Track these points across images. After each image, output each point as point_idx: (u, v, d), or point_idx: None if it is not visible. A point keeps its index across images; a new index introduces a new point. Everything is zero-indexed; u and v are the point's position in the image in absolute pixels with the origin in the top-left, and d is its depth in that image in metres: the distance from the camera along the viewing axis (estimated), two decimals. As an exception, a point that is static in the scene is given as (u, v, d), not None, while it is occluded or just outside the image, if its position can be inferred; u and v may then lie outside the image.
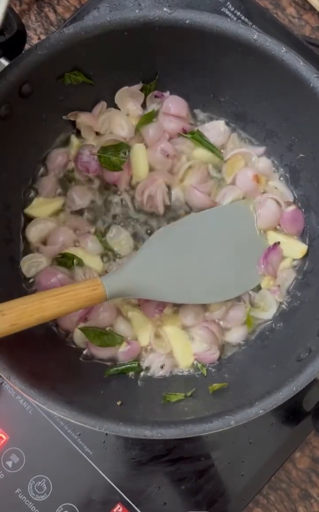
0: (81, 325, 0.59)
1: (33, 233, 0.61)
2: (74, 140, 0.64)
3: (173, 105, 0.63)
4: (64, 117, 0.62)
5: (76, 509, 0.60)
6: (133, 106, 0.63)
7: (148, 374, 0.60)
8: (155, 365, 0.59)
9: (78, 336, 0.59)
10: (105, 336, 0.58)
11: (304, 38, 0.75)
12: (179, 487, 0.61)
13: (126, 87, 0.62)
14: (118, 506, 0.60)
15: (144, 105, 0.64)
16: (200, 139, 0.62)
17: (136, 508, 0.60)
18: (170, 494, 0.61)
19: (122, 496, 0.60)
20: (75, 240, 0.62)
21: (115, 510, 0.60)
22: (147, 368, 0.60)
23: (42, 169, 0.63)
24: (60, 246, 0.61)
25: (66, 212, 0.63)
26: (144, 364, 0.60)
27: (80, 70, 0.58)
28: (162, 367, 0.59)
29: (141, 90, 0.63)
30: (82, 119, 0.62)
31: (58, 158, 0.63)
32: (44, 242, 0.62)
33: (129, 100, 0.63)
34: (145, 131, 0.63)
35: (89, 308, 0.59)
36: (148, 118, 0.63)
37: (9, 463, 0.61)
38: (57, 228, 0.61)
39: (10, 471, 0.61)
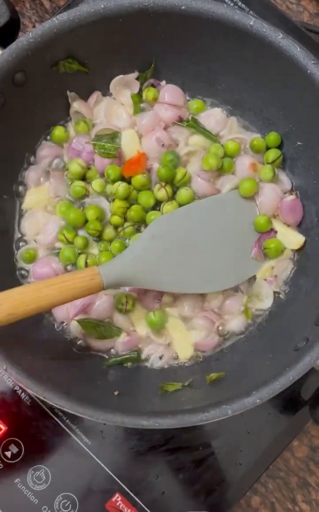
0: (80, 316, 0.59)
1: (27, 226, 0.61)
2: (70, 129, 0.63)
3: (169, 93, 0.62)
4: (68, 92, 0.61)
5: (75, 498, 0.60)
6: (128, 96, 0.62)
7: (147, 364, 0.59)
8: (154, 355, 0.59)
9: (75, 328, 0.59)
10: (102, 328, 0.58)
11: (302, 25, 0.74)
12: (178, 476, 0.62)
13: (121, 76, 0.62)
14: (117, 495, 0.60)
15: (140, 94, 0.63)
16: (195, 126, 0.62)
17: (134, 497, 0.60)
18: (169, 483, 0.61)
19: (120, 486, 0.61)
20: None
21: (114, 499, 0.60)
22: (146, 359, 0.60)
23: (32, 159, 0.63)
24: (54, 235, 0.60)
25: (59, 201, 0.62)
26: (143, 355, 0.60)
27: (74, 58, 0.58)
28: (161, 357, 0.59)
29: (137, 78, 0.62)
30: (77, 108, 0.62)
31: (44, 150, 0.62)
32: (39, 234, 0.61)
33: (124, 89, 0.63)
34: (139, 120, 0.62)
35: (89, 301, 0.59)
36: (139, 98, 0.63)
37: (8, 454, 0.61)
38: (48, 218, 0.61)
39: (9, 461, 0.61)
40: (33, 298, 0.48)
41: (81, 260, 0.59)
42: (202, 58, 0.60)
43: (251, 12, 0.71)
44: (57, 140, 0.63)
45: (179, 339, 0.60)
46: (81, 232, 0.61)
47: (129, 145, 0.61)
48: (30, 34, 0.52)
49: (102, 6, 0.53)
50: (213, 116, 0.63)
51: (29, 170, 0.62)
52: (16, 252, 0.61)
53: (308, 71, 0.53)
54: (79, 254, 0.60)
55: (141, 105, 0.63)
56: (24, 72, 0.54)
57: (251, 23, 0.53)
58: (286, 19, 0.73)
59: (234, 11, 0.54)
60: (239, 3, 0.71)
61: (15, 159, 0.61)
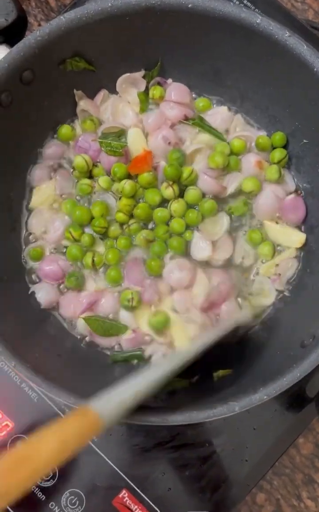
0: (86, 314, 0.59)
1: (34, 224, 0.61)
2: (76, 127, 0.63)
3: (175, 91, 0.62)
4: (75, 91, 0.61)
5: (82, 495, 0.60)
6: (134, 94, 0.63)
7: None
8: (157, 354, 0.59)
9: (82, 325, 0.59)
10: (108, 325, 0.58)
11: (307, 23, 0.74)
12: (183, 473, 0.62)
13: (127, 74, 0.62)
14: (124, 491, 0.61)
15: (146, 92, 0.63)
16: (201, 124, 0.62)
17: (141, 493, 0.61)
18: (175, 479, 0.62)
19: (127, 482, 0.61)
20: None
21: (120, 495, 0.61)
22: (150, 357, 0.60)
23: (39, 157, 0.63)
24: (61, 233, 0.60)
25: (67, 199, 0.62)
26: (146, 353, 0.60)
27: (81, 56, 0.58)
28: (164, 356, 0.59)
29: (143, 77, 0.62)
30: (84, 106, 0.62)
31: (51, 148, 0.62)
32: (46, 232, 0.61)
33: (131, 87, 0.63)
34: (145, 119, 0.62)
35: (95, 298, 0.59)
36: (145, 97, 0.63)
37: (15, 450, 0.62)
38: (54, 216, 0.61)
39: (16, 457, 0.61)
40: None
41: (88, 258, 0.59)
42: (208, 56, 0.60)
43: (256, 10, 0.71)
44: (63, 138, 0.63)
45: (179, 336, 0.60)
46: (88, 230, 0.61)
47: (135, 143, 0.61)
48: (38, 32, 0.53)
49: (110, 4, 0.53)
50: (219, 114, 0.63)
51: (35, 168, 0.62)
52: (24, 249, 0.61)
53: (315, 69, 0.53)
54: (86, 252, 0.60)
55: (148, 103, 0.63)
56: (32, 71, 0.54)
57: (257, 21, 0.53)
58: (291, 17, 0.73)
59: (240, 9, 0.54)
60: (245, 1, 0.71)
61: (22, 157, 0.61)
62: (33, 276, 0.61)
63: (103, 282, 0.61)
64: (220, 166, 0.60)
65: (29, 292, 0.59)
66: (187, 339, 0.59)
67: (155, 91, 0.62)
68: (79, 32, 0.54)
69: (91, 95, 0.63)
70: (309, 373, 0.49)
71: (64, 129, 0.62)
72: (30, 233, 0.62)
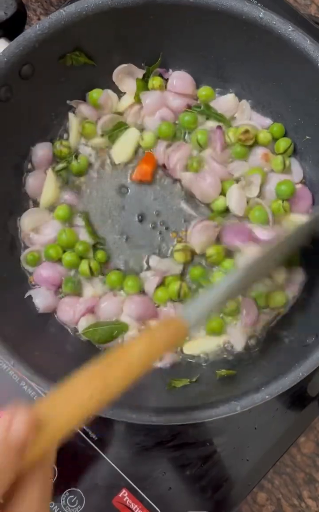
0: (87, 316, 0.58)
1: (26, 223, 0.60)
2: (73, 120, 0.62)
3: (178, 81, 0.62)
4: (68, 102, 0.61)
5: (82, 494, 0.60)
6: (132, 83, 0.62)
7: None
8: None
9: (82, 326, 0.58)
10: (110, 329, 0.57)
11: (310, 18, 0.73)
12: (184, 473, 0.61)
13: (124, 65, 0.61)
14: (124, 491, 0.60)
15: (146, 80, 0.62)
16: (208, 112, 0.61)
17: (141, 493, 0.60)
18: (175, 479, 0.61)
19: (127, 481, 0.60)
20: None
21: (120, 495, 0.60)
22: None
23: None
24: (52, 237, 0.59)
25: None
26: None
27: (81, 51, 0.57)
28: (160, 359, 0.58)
29: (144, 76, 0.62)
30: (85, 111, 0.62)
31: (39, 152, 0.61)
32: (36, 231, 0.61)
33: (128, 77, 0.62)
34: (143, 98, 0.61)
35: (93, 303, 0.58)
36: (144, 85, 0.62)
37: (14, 449, 0.61)
38: (47, 218, 0.61)
39: (15, 457, 0.61)
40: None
41: (84, 265, 0.58)
42: (210, 50, 0.59)
43: (259, 4, 0.70)
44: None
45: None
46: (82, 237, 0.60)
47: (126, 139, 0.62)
48: (37, 26, 0.52)
49: (110, -3, 0.53)
50: (226, 101, 0.62)
51: (30, 176, 0.61)
52: (22, 254, 0.60)
53: (318, 64, 0.52)
54: (81, 258, 0.59)
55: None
56: (31, 65, 0.54)
57: (260, 15, 0.53)
58: (294, 11, 0.72)
59: (243, 3, 0.53)
60: (248, -4, 0.70)
61: (23, 152, 0.61)
62: (31, 279, 0.60)
63: (101, 286, 0.60)
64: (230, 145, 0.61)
65: (26, 296, 0.58)
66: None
67: (155, 81, 0.61)
68: (79, 26, 0.54)
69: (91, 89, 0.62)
70: (311, 372, 0.48)
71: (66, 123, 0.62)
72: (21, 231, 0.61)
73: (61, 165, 0.61)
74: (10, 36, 0.55)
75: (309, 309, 0.57)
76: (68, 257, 0.59)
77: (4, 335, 0.50)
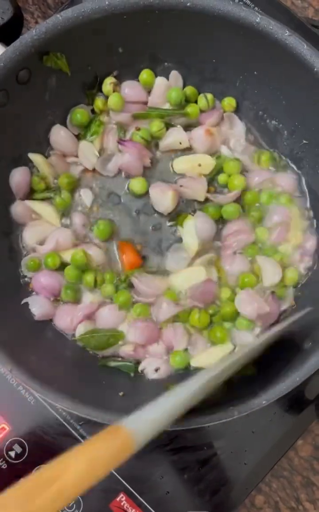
0: (85, 323, 0.58)
1: (28, 235, 0.60)
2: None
3: (130, 90, 0.61)
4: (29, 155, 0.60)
5: (80, 498, 0.60)
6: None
7: (142, 375, 0.58)
8: (150, 368, 0.57)
9: (79, 331, 0.58)
10: (106, 337, 0.57)
11: (307, 21, 0.73)
12: (182, 476, 0.61)
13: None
14: (121, 495, 0.60)
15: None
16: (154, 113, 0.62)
17: (139, 497, 0.60)
18: (173, 483, 0.61)
19: (125, 486, 0.60)
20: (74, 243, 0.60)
21: (118, 499, 0.60)
22: (142, 370, 0.58)
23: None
24: (52, 246, 0.59)
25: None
26: (140, 367, 0.58)
27: (76, 56, 0.56)
28: (156, 370, 0.57)
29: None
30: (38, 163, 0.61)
31: (16, 177, 0.59)
32: (41, 242, 0.60)
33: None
34: (122, 87, 0.62)
35: (90, 310, 0.58)
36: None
37: (12, 453, 0.61)
38: (48, 229, 0.60)
39: (13, 461, 0.61)
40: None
41: (90, 277, 0.58)
42: (206, 55, 0.59)
43: (256, 8, 0.70)
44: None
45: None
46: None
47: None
48: (34, 31, 0.52)
49: (107, 2, 0.52)
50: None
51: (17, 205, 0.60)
52: (22, 260, 0.60)
53: (315, 69, 0.52)
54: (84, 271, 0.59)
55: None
56: (28, 70, 0.53)
57: (257, 20, 0.52)
58: (291, 15, 0.72)
59: (240, 7, 0.53)
60: (245, 0, 0.70)
61: (22, 158, 0.60)
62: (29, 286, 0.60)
63: (100, 294, 0.60)
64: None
65: (22, 303, 0.58)
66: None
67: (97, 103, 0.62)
68: (77, 31, 0.53)
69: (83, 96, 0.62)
70: (308, 377, 0.48)
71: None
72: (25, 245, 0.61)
73: (41, 195, 0.61)
74: (7, 41, 0.55)
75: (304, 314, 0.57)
76: (70, 271, 0.58)
77: (1, 340, 0.50)
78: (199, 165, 0.61)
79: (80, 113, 0.61)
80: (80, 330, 0.58)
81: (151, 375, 0.57)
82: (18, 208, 0.59)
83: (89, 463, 0.34)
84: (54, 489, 0.32)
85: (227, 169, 0.61)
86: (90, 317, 0.58)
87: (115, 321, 0.58)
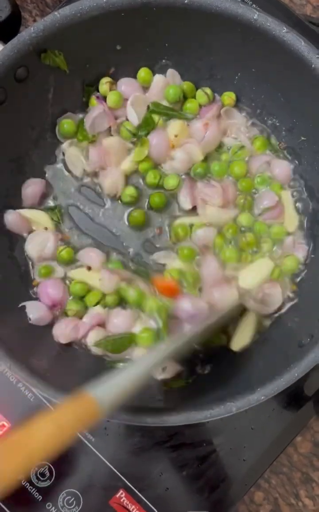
0: (97, 329, 0.58)
1: (30, 247, 0.60)
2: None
3: (127, 87, 0.61)
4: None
5: (79, 495, 0.60)
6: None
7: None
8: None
9: (92, 341, 0.58)
10: (121, 341, 0.57)
11: (305, 18, 0.73)
12: (181, 473, 0.62)
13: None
14: (121, 491, 0.60)
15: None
16: (157, 110, 0.62)
17: (139, 493, 0.60)
18: (173, 479, 0.61)
19: (125, 482, 0.61)
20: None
21: (118, 495, 0.60)
22: None
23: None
24: (51, 252, 0.59)
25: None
26: None
27: (74, 54, 0.57)
28: (163, 369, 0.57)
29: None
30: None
31: (28, 188, 0.60)
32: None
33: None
34: (119, 84, 0.62)
35: (98, 319, 0.58)
36: None
37: (12, 450, 0.61)
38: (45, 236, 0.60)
39: (13, 458, 0.61)
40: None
41: (94, 298, 0.58)
42: (204, 52, 0.59)
43: (254, 5, 0.70)
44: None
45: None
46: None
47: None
48: (32, 29, 0.52)
49: (105, 0, 0.53)
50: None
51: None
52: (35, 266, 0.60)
53: (313, 66, 0.52)
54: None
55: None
56: (26, 68, 0.53)
57: (255, 17, 0.53)
58: (289, 12, 0.72)
59: (237, 4, 0.53)
60: (242, -4, 0.70)
61: (21, 157, 0.60)
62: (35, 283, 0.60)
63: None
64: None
65: (19, 306, 0.57)
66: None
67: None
68: (75, 29, 0.53)
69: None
70: (307, 372, 0.48)
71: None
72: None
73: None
74: (4, 39, 0.55)
75: (303, 310, 0.57)
76: (77, 287, 0.58)
77: (1, 337, 0.50)
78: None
79: (67, 123, 0.61)
80: (92, 337, 0.57)
81: (158, 375, 0.56)
82: (10, 217, 0.59)
83: (56, 427, 0.36)
84: (22, 454, 0.34)
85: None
86: (99, 325, 0.58)
87: (128, 325, 0.57)
